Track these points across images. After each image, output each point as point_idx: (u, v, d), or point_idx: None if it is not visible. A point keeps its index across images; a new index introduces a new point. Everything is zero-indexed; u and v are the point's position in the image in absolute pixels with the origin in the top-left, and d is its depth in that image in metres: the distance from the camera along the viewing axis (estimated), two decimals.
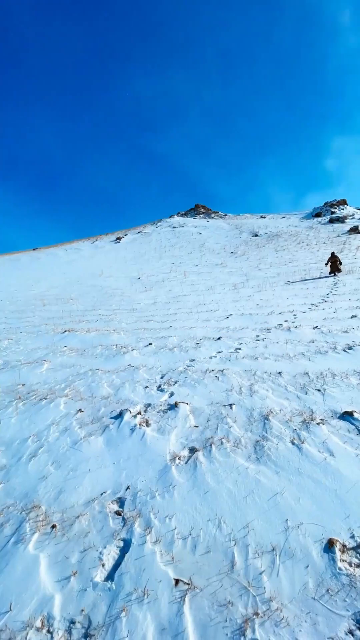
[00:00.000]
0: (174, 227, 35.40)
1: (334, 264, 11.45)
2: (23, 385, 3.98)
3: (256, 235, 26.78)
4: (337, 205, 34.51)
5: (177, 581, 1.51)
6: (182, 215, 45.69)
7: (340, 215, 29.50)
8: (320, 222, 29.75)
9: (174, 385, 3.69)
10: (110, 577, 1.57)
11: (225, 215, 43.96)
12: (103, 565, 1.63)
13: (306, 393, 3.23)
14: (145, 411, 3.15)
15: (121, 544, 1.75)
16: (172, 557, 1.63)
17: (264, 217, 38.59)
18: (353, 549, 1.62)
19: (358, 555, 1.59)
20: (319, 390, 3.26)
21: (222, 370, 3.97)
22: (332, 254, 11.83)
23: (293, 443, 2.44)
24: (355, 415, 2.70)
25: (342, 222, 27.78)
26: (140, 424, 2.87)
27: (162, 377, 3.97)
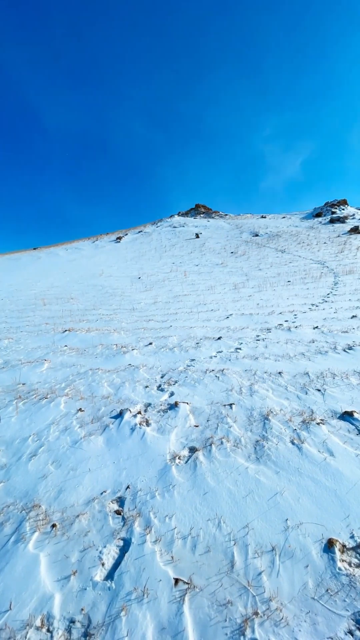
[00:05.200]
0: (175, 227, 35.38)
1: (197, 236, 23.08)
2: (23, 384, 3.98)
3: (257, 235, 26.75)
4: (338, 206, 34.47)
5: (176, 581, 1.51)
6: (182, 215, 45.66)
7: (340, 216, 29.47)
8: (320, 222, 29.72)
9: (174, 384, 3.69)
10: (110, 576, 1.57)
11: (226, 215, 43.92)
12: (103, 564, 1.63)
13: (306, 393, 3.23)
14: (145, 411, 3.15)
15: (121, 543, 1.75)
16: (172, 557, 1.64)
17: (265, 217, 38.56)
18: (353, 549, 1.62)
19: (358, 555, 1.59)
20: (319, 390, 3.26)
21: (222, 370, 3.97)
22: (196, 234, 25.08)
23: (293, 443, 2.44)
24: (356, 415, 2.70)
25: (343, 222, 27.74)
26: (140, 424, 2.87)
27: (162, 377, 3.97)
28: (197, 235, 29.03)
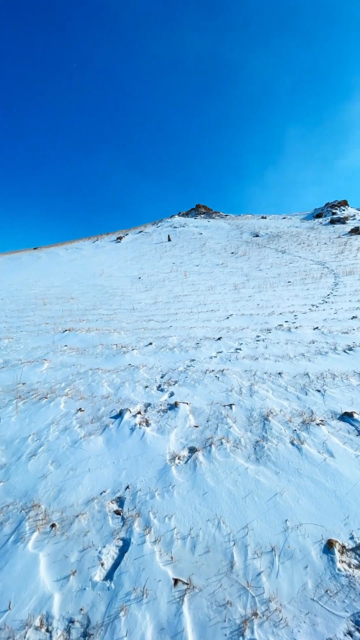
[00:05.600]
0: (175, 227, 35.39)
1: (169, 238, 22.42)
2: (23, 384, 3.98)
3: (257, 236, 26.76)
4: (338, 206, 34.49)
5: (176, 581, 1.51)
6: (183, 215, 45.69)
7: (341, 216, 29.48)
8: (321, 223, 29.74)
9: (174, 385, 3.69)
10: (109, 576, 1.57)
11: (226, 215, 43.95)
12: (102, 564, 1.63)
13: (306, 394, 3.22)
14: (145, 411, 3.15)
15: (120, 543, 1.75)
16: (172, 557, 1.63)
17: (265, 218, 38.58)
18: (352, 550, 1.62)
19: (357, 556, 1.59)
20: (319, 391, 3.26)
21: (222, 371, 3.97)
22: (168, 235, 26.64)
23: (293, 444, 2.44)
24: (355, 416, 2.70)
25: (343, 222, 27.76)
26: (140, 424, 2.87)
27: (162, 377, 3.97)
28: (168, 238, 29.19)
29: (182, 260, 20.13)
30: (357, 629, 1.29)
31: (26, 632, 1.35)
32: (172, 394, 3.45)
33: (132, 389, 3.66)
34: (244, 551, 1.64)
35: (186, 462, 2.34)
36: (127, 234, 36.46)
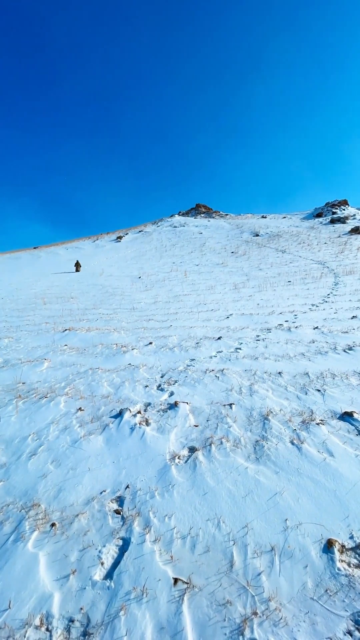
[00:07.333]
0: (175, 227, 35.37)
1: (77, 265, 19.35)
2: (23, 383, 3.98)
3: (257, 235, 26.75)
4: (339, 206, 34.47)
5: (176, 580, 1.51)
6: (183, 214, 45.65)
7: (341, 216, 29.46)
8: (321, 223, 29.72)
9: (174, 384, 3.69)
10: (109, 575, 1.57)
11: (227, 215, 43.91)
12: (102, 563, 1.63)
13: (306, 393, 3.22)
14: (145, 410, 3.15)
15: (120, 542, 1.75)
16: (171, 556, 1.64)
17: (265, 217, 38.55)
18: (352, 549, 1.62)
19: (357, 555, 1.59)
20: (319, 390, 3.26)
21: (222, 370, 3.97)
22: (77, 262, 20.04)
23: (293, 443, 2.44)
24: (355, 415, 2.70)
25: (343, 222, 27.74)
26: (140, 423, 2.87)
27: (162, 377, 3.97)
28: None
29: (182, 260, 20.12)
30: (357, 628, 1.29)
31: (26, 631, 1.35)
32: (172, 394, 3.45)
33: (132, 388, 3.66)
34: (244, 550, 1.64)
35: (186, 462, 2.34)
36: (127, 234, 36.43)
